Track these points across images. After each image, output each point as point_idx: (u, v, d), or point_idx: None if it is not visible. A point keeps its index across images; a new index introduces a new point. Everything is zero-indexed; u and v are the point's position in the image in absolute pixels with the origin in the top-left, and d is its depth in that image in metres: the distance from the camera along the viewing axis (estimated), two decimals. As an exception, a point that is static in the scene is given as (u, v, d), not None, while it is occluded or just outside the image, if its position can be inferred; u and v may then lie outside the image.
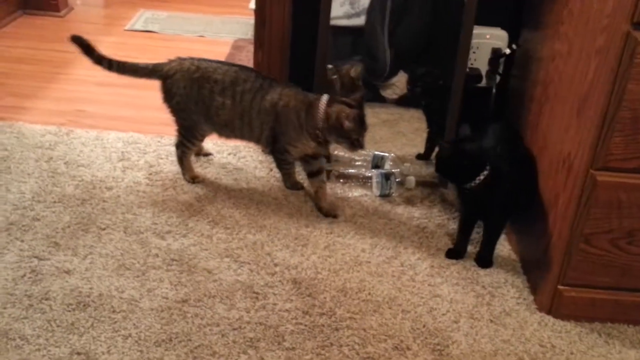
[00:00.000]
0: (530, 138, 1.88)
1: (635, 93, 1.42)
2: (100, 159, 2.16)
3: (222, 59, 3.08)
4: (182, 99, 1.97)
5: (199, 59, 2.00)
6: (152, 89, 2.79)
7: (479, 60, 2.16)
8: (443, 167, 1.78)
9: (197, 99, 1.95)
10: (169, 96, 1.99)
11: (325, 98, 1.90)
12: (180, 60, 2.00)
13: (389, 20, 2.23)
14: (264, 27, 2.20)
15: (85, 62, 2.99)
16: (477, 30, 2.03)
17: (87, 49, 1.99)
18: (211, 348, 1.47)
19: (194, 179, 2.07)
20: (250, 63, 2.64)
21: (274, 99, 1.92)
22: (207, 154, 2.24)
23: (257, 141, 2.03)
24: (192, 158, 2.14)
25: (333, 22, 2.05)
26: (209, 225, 1.88)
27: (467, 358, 1.51)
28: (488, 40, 2.13)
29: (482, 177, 1.71)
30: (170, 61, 2.01)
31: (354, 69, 2.15)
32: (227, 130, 2.02)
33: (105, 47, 3.16)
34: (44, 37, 3.21)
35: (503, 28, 2.14)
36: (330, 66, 2.17)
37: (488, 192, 1.73)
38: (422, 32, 2.29)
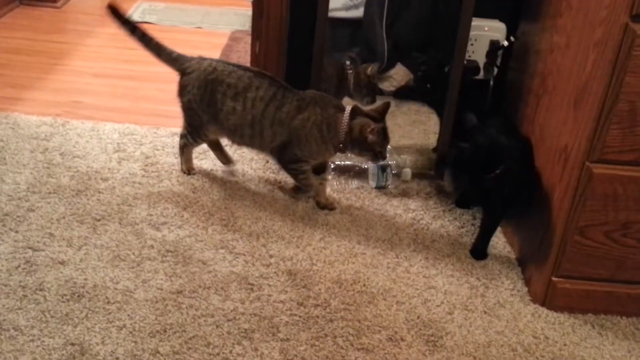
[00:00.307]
0: (528, 130, 1.87)
1: (633, 85, 1.42)
2: (96, 150, 2.15)
3: (219, 50, 3.08)
4: (194, 98, 1.94)
5: (218, 61, 1.97)
6: (149, 80, 2.79)
7: (477, 52, 2.15)
8: (465, 165, 1.78)
9: (209, 101, 1.92)
10: (183, 93, 1.96)
11: (348, 110, 1.86)
12: (201, 59, 1.97)
13: (387, 12, 2.22)
14: (261, 19, 2.19)
15: (82, 53, 3.01)
16: (476, 22, 2.02)
17: (118, 15, 1.95)
18: (206, 339, 1.47)
19: (189, 171, 2.07)
20: (247, 54, 2.64)
21: (291, 112, 1.86)
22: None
23: (266, 150, 1.97)
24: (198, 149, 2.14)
25: (331, 14, 2.04)
26: (205, 217, 1.88)
27: (461, 349, 1.51)
28: (486, 32, 2.13)
29: (498, 171, 1.72)
30: (193, 58, 1.98)
31: (371, 68, 2.14)
32: (237, 137, 1.96)
33: (102, 39, 3.19)
34: (41, 28, 3.20)
35: (501, 20, 2.13)
36: (348, 62, 2.17)
37: (497, 184, 1.73)
38: (420, 24, 2.28)
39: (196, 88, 1.93)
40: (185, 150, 2.06)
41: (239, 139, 1.98)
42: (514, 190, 1.76)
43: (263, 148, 1.97)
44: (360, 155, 1.92)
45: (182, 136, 2.05)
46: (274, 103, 1.87)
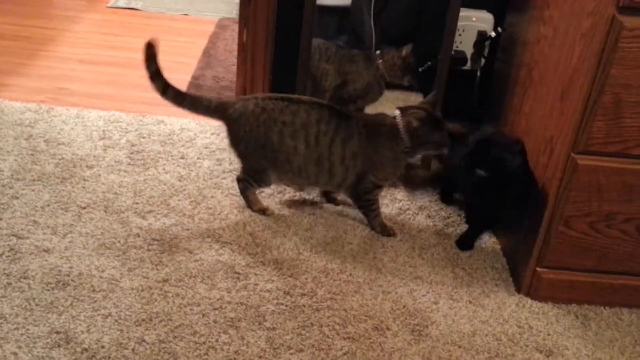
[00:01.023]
0: (514, 122, 1.88)
1: (618, 78, 1.43)
2: (81, 137, 2.13)
3: (206, 38, 3.06)
4: (247, 146, 1.80)
5: (263, 98, 1.80)
6: (135, 67, 2.74)
7: (465, 43, 2.15)
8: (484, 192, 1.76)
9: (264, 143, 1.77)
10: (235, 142, 1.83)
11: (398, 114, 1.78)
12: (244, 101, 1.81)
13: (375, 1, 2.21)
14: (249, 6, 2.18)
15: (67, 39, 2.97)
16: (463, 12, 2.02)
17: (151, 59, 1.73)
18: (192, 328, 1.47)
19: (264, 211, 1.88)
20: (234, 42, 2.62)
21: (362, 144, 1.77)
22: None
23: (337, 187, 1.86)
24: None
25: (319, 2, 2.02)
26: (191, 205, 1.87)
27: (446, 338, 1.53)
28: (474, 22, 2.13)
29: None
30: (234, 102, 1.83)
31: (405, 49, 2.07)
32: (300, 179, 1.83)
33: (88, 25, 3.15)
34: (26, 13, 3.15)
35: (489, 11, 2.14)
36: (378, 52, 2.13)
37: (499, 196, 1.72)
38: (409, 13, 2.27)
39: (248, 132, 1.78)
40: (247, 192, 1.88)
41: (303, 180, 1.84)
42: (514, 199, 1.73)
43: (331, 185, 1.86)
44: (426, 151, 1.88)
45: (241, 180, 1.87)
46: (339, 136, 1.76)
